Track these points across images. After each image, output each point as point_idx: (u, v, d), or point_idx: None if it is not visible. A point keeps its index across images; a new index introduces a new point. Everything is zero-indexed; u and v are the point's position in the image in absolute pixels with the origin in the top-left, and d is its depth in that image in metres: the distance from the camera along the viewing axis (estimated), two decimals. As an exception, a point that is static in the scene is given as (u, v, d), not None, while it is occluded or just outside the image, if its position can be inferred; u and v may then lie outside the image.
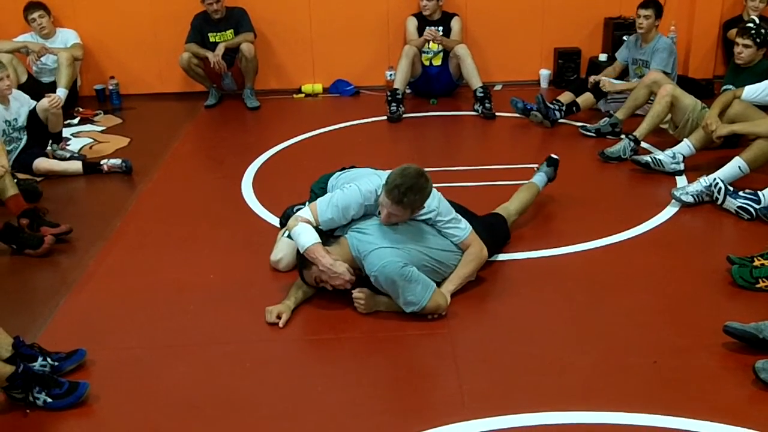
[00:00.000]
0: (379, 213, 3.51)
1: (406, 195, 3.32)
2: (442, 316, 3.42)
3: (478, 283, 3.72)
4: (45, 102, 5.41)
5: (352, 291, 3.47)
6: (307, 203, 3.88)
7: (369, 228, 3.50)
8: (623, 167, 5.21)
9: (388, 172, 3.67)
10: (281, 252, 3.89)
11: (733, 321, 3.14)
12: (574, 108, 6.17)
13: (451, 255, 3.60)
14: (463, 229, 3.60)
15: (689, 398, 2.88)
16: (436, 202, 3.54)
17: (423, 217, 3.55)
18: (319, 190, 3.86)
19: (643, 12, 6.04)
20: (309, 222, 3.47)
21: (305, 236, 3.42)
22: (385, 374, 3.17)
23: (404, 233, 3.49)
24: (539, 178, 4.43)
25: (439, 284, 3.51)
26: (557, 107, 6.11)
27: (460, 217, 3.64)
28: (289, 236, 3.86)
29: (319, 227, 3.50)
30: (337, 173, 3.87)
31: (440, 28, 6.78)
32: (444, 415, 2.82)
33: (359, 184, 3.54)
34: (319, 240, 3.42)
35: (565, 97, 6.26)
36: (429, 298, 3.36)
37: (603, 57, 7.04)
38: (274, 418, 2.88)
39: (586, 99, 6.22)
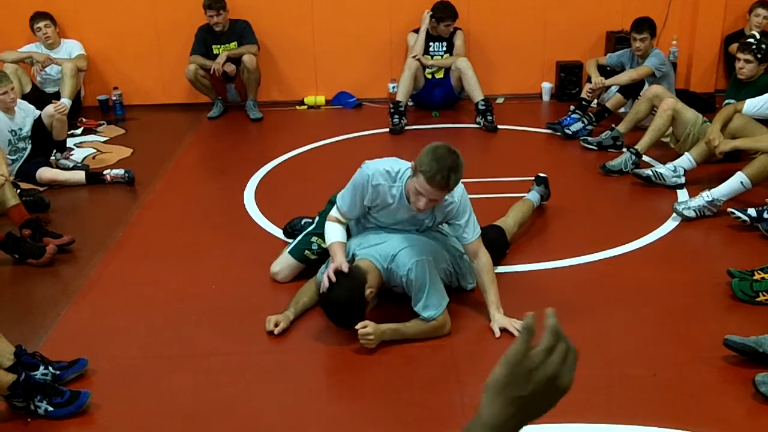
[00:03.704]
0: (391, 202, 3.41)
1: (450, 178, 3.12)
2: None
3: (480, 295, 3.71)
4: (50, 108, 5.45)
5: (357, 329, 3.26)
6: (318, 217, 3.91)
7: (380, 236, 3.50)
8: (624, 180, 5.22)
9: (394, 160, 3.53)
10: (279, 265, 3.91)
11: (733, 334, 3.14)
12: (606, 114, 6.24)
13: (462, 259, 3.62)
14: (474, 230, 3.48)
15: (689, 411, 2.88)
16: (459, 193, 3.39)
17: (447, 209, 3.42)
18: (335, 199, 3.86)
19: (638, 36, 6.02)
20: (338, 219, 3.53)
21: (330, 233, 3.50)
22: (387, 385, 3.16)
23: (421, 239, 3.47)
24: (532, 195, 4.48)
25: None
26: (580, 119, 6.16)
27: (475, 218, 3.51)
28: (290, 252, 3.90)
29: (348, 219, 3.55)
30: None
31: (443, 43, 6.82)
32: (445, 427, 2.81)
33: (363, 167, 3.47)
34: (343, 240, 3.47)
35: (613, 100, 6.27)
36: (443, 310, 3.36)
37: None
38: (275, 428, 2.88)
39: (616, 101, 6.24)
